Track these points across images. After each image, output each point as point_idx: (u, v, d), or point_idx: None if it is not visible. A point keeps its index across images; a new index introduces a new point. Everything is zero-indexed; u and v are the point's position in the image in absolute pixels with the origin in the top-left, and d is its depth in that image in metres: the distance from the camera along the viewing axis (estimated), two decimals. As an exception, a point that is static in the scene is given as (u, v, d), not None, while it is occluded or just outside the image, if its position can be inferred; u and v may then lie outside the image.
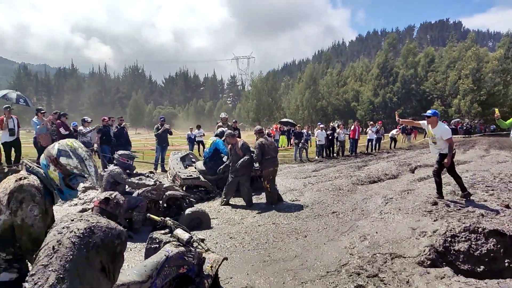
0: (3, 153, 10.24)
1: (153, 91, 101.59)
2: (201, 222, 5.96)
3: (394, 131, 22.52)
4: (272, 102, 52.42)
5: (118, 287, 2.65)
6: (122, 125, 11.46)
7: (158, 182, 6.01)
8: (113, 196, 2.42)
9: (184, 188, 8.04)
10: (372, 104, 51.16)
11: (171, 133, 12.69)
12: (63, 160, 2.35)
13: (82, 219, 2.12)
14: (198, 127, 18.51)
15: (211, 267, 3.47)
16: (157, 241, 3.43)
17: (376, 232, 5.06)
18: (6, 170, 9.25)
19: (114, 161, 5.96)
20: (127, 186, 5.95)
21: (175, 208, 6.25)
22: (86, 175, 2.44)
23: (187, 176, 8.19)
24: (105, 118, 11.56)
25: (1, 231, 2.11)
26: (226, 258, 3.61)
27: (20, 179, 2.19)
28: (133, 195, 5.84)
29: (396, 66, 52.04)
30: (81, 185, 7.86)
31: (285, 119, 26.30)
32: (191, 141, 18.21)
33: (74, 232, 2.01)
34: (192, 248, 3.34)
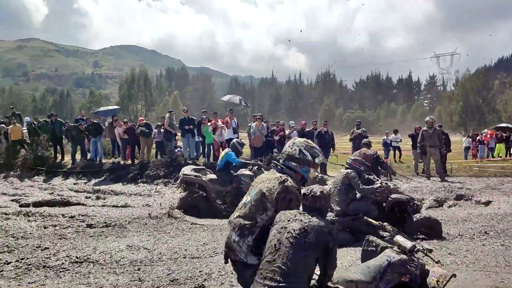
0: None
1: (343, 95, 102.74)
2: (432, 230, 5.65)
3: None
4: (483, 104, 44.98)
5: (347, 283, 2.77)
6: (325, 130, 12.11)
7: (384, 184, 5.95)
8: (309, 190, 2.45)
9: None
10: None
11: (366, 137, 12.56)
12: (317, 160, 2.66)
13: (296, 219, 2.31)
14: (395, 131, 17.58)
15: (437, 281, 3.22)
16: (374, 244, 3.42)
17: None
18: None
19: (346, 165, 6.10)
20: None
21: (398, 212, 6.02)
22: (325, 161, 2.87)
23: (187, 173, 8.37)
24: (303, 122, 12.54)
25: (268, 225, 2.45)
26: (454, 275, 3.28)
27: (284, 181, 2.50)
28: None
29: None
30: None
31: (503, 124, 22.18)
32: (387, 146, 17.43)
33: (291, 233, 2.23)
34: (414, 258, 3.19)
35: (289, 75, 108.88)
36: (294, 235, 2.21)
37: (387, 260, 3.11)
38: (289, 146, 2.74)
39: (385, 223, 3.58)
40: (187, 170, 8.66)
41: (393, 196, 5.87)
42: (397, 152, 17.18)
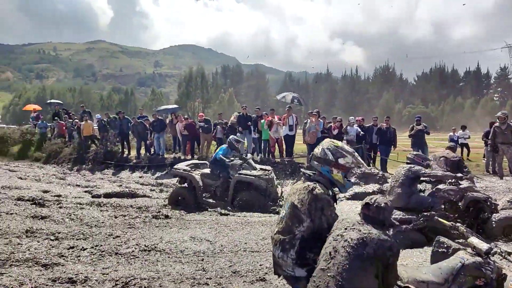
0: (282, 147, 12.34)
1: (403, 89, 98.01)
2: None
3: None
4: None
5: (418, 283, 2.67)
6: (387, 126, 11.66)
7: (459, 182, 5.60)
8: (372, 200, 2.36)
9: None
10: None
11: (428, 133, 11.91)
12: (341, 161, 2.60)
13: (354, 228, 2.22)
14: (463, 127, 16.42)
15: (517, 287, 2.99)
16: (445, 245, 3.26)
17: None
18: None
19: (408, 160, 5.90)
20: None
21: (474, 212, 5.64)
22: (360, 165, 2.75)
23: (176, 167, 8.56)
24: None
25: (307, 235, 2.45)
26: (537, 281, 3.02)
27: (312, 189, 2.49)
28: (426, 194, 5.66)
29: None
30: None
31: None
32: (454, 143, 16.31)
33: (348, 242, 2.14)
34: (490, 260, 2.98)
35: (345, 70, 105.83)
36: (351, 244, 2.12)
37: (460, 262, 2.96)
38: (317, 147, 2.76)
39: (458, 224, 3.40)
40: (181, 164, 8.87)
41: (469, 194, 5.47)
42: (465, 149, 16.07)
